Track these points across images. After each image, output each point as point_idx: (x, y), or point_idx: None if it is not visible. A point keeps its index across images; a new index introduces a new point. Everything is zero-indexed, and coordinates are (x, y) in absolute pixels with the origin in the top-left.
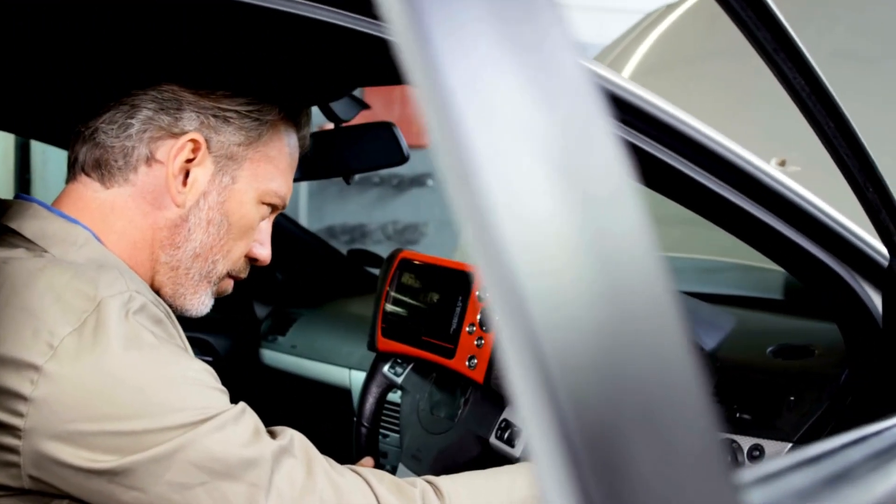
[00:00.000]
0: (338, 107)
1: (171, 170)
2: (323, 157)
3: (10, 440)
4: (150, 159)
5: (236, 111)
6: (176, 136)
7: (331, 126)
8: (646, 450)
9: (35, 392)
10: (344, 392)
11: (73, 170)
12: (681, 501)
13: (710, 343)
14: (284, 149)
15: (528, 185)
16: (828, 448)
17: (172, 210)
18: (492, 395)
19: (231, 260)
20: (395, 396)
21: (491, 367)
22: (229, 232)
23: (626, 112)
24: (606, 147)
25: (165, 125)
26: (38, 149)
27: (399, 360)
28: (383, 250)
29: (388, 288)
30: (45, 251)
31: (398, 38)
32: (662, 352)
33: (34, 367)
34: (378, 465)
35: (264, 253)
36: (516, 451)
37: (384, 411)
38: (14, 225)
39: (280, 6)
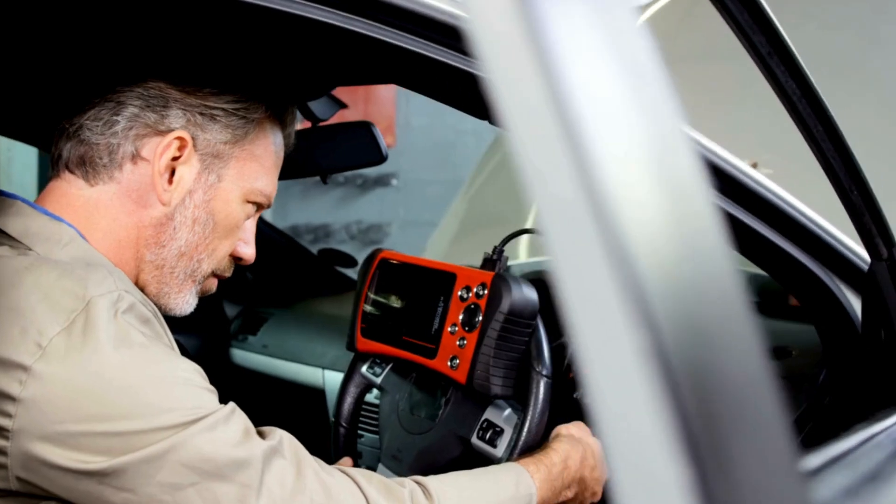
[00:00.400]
0: (316, 106)
1: (157, 167)
2: (300, 157)
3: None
4: (135, 157)
5: (223, 109)
6: (162, 133)
7: (307, 125)
8: (738, 433)
9: (23, 392)
10: (317, 392)
11: (57, 167)
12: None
13: None
14: (270, 147)
15: (634, 177)
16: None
17: (158, 208)
18: (473, 396)
19: (216, 259)
20: (370, 397)
21: (473, 367)
22: (215, 230)
23: None
24: (686, 149)
25: (151, 122)
26: (3, 147)
27: (378, 361)
28: (347, 250)
29: (367, 288)
30: (30, 249)
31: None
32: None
33: (22, 367)
34: (355, 465)
35: (249, 252)
36: (498, 452)
37: (367, 413)
38: None
39: (269, 3)
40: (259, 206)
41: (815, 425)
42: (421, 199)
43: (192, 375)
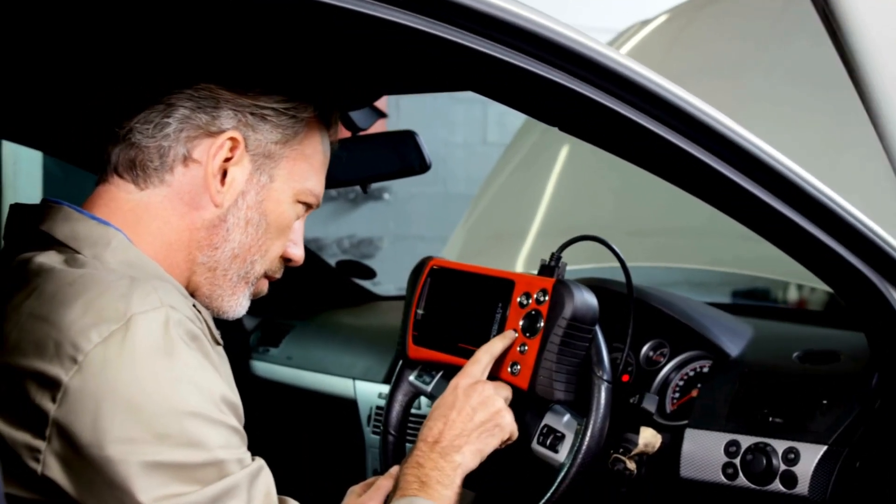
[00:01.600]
0: (356, 115)
1: (210, 169)
2: (342, 166)
3: (31, 462)
4: (186, 159)
5: (273, 109)
6: (213, 134)
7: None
8: None
9: (57, 411)
10: (349, 403)
11: (105, 171)
12: None
13: (735, 350)
14: (319, 147)
15: None
16: None
17: (210, 210)
18: (531, 402)
19: (268, 260)
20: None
21: (536, 373)
22: (267, 231)
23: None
24: None
25: (203, 124)
26: (9, 160)
27: (427, 368)
28: None
29: (418, 295)
30: (78, 252)
31: None
32: None
33: (57, 383)
34: None
35: (298, 252)
36: (560, 457)
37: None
38: (45, 227)
39: (338, 1)
40: (308, 207)
41: (866, 430)
42: (412, 213)
43: (227, 413)
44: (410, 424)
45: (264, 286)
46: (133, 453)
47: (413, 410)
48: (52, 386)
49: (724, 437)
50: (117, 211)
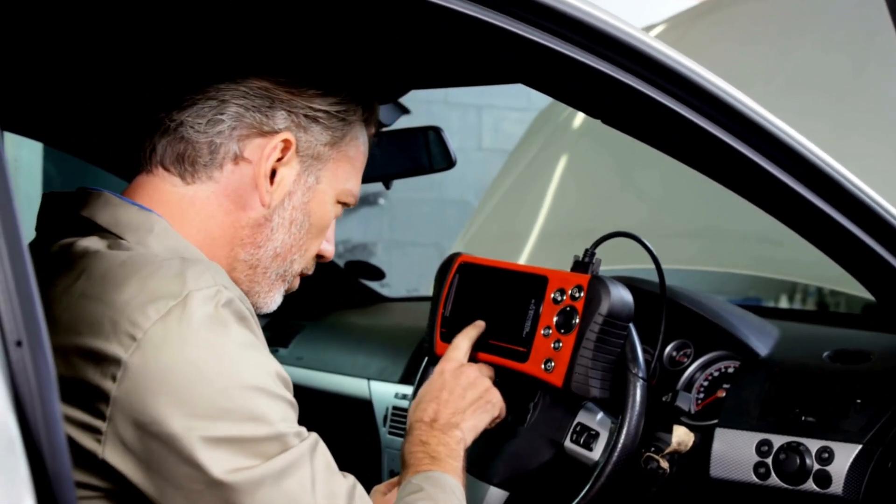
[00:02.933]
0: (381, 111)
1: (262, 169)
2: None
3: (91, 443)
4: (237, 157)
5: (326, 111)
6: (266, 134)
7: None
8: None
9: (118, 389)
10: (363, 403)
11: (149, 162)
12: None
13: (764, 349)
14: (361, 148)
15: None
16: None
17: (257, 209)
18: (564, 399)
19: (306, 258)
20: None
21: (571, 369)
22: (309, 231)
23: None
24: None
25: (256, 123)
26: (11, 156)
27: None
28: None
29: (446, 292)
30: (121, 238)
31: None
32: None
33: (116, 361)
34: None
35: (331, 249)
36: (594, 455)
37: None
38: (87, 213)
39: None
40: (345, 206)
41: None
42: (407, 218)
43: (282, 388)
44: None
45: (297, 283)
46: (197, 429)
47: None
48: (112, 364)
49: (755, 437)
50: (161, 202)
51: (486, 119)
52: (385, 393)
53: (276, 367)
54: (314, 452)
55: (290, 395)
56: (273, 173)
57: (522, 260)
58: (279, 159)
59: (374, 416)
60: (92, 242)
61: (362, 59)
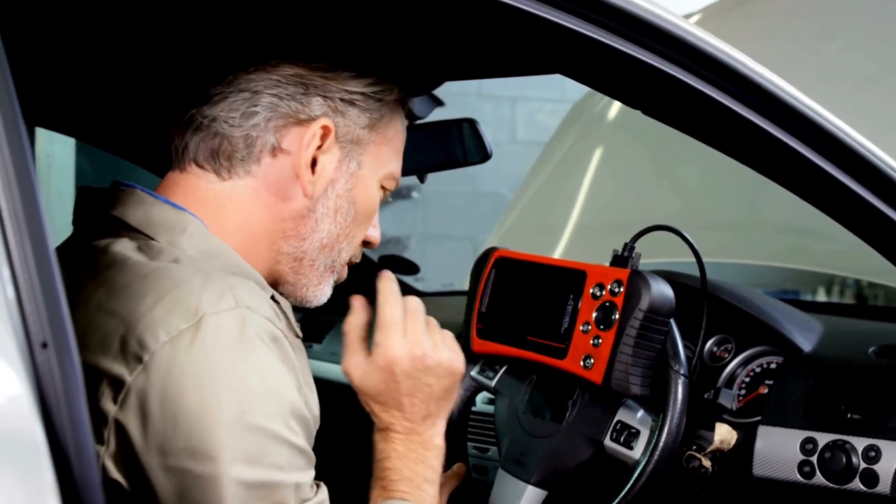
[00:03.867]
0: (415, 103)
1: (302, 159)
2: None
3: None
4: (275, 149)
5: (362, 93)
6: (303, 123)
7: None
8: None
9: (118, 412)
10: None
11: (182, 160)
12: None
13: (808, 345)
14: (399, 128)
15: None
16: None
17: (300, 200)
18: (603, 396)
19: (353, 246)
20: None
21: (611, 366)
22: (356, 219)
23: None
24: None
25: (292, 112)
26: (43, 153)
27: (490, 363)
28: None
29: (482, 287)
30: (152, 239)
31: None
32: None
33: (120, 382)
34: (476, 481)
35: (377, 234)
36: (635, 453)
37: (479, 423)
38: (117, 213)
39: None
40: (388, 191)
41: None
42: (441, 212)
43: (293, 431)
44: (471, 419)
45: (345, 272)
46: (189, 463)
47: (473, 407)
48: (115, 385)
49: (799, 435)
50: (196, 200)
51: (520, 111)
52: None
53: (293, 403)
54: None
55: (301, 440)
56: (314, 162)
57: (558, 253)
58: (318, 147)
59: None
60: (122, 246)
61: (396, 48)
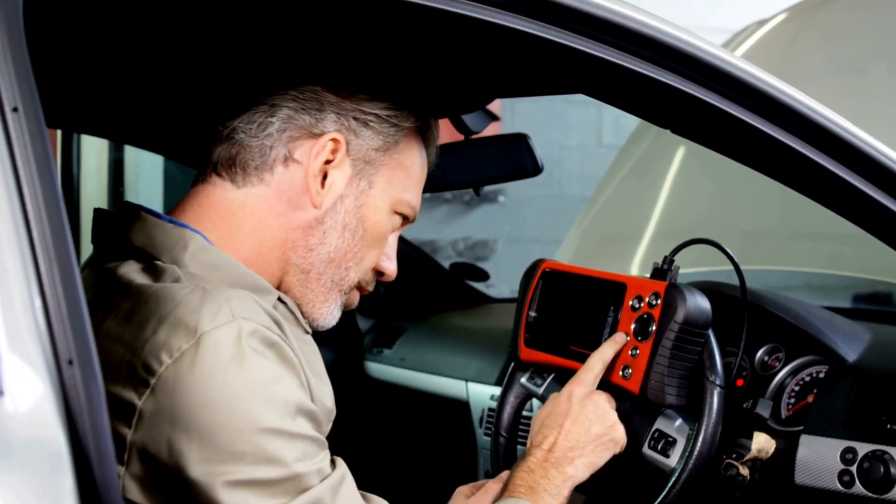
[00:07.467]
0: (469, 119)
1: (311, 170)
2: (455, 169)
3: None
4: (287, 159)
5: (376, 115)
6: (315, 136)
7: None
8: None
9: (133, 435)
10: (461, 404)
11: (205, 171)
12: None
13: (853, 355)
14: (417, 159)
15: None
16: None
17: (309, 211)
18: (643, 405)
19: (363, 268)
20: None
21: (647, 376)
22: (364, 238)
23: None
24: None
25: (306, 125)
26: (132, 162)
27: (538, 371)
28: None
29: (530, 298)
30: (156, 259)
31: None
32: None
33: (131, 407)
34: None
35: (391, 267)
36: (671, 462)
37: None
38: (125, 235)
39: (433, 3)
40: (405, 220)
41: None
42: (526, 215)
43: (301, 424)
44: (521, 427)
45: (355, 298)
46: (214, 474)
47: (524, 413)
48: (128, 410)
49: (840, 444)
50: (210, 209)
51: (607, 115)
52: (482, 394)
53: (297, 401)
54: (337, 490)
55: (310, 430)
56: (325, 177)
57: (636, 259)
58: (329, 161)
59: (471, 418)
60: (128, 269)
61: (413, 75)
